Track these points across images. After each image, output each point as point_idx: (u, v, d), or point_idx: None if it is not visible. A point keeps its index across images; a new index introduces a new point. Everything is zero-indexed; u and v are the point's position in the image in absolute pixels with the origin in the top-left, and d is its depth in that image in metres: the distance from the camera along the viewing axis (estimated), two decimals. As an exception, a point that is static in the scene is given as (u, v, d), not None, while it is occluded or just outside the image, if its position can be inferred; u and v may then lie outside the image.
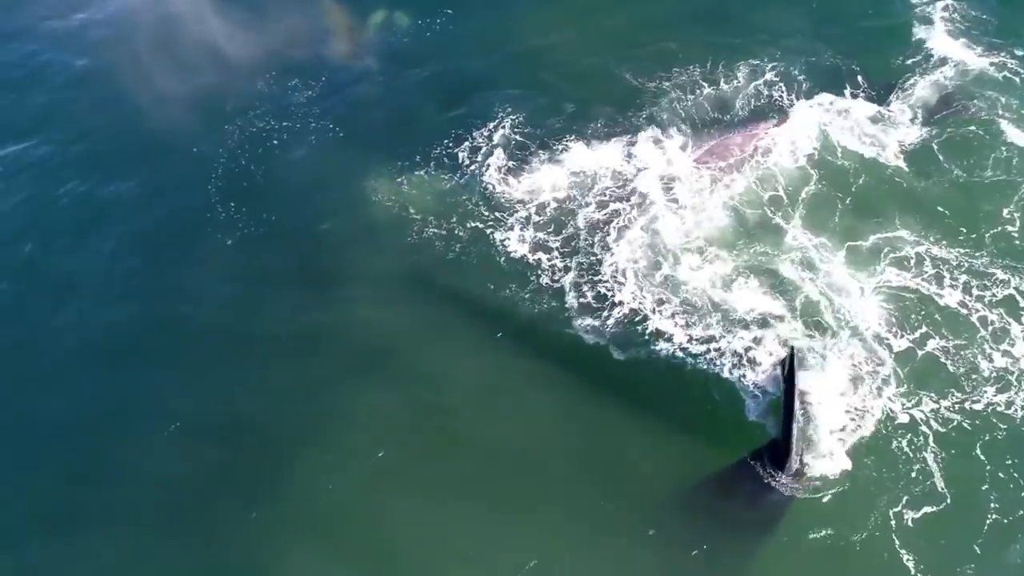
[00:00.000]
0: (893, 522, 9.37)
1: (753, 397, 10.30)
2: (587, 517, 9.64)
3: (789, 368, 10.11)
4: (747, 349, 10.64)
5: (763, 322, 10.79)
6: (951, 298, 10.92)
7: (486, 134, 13.22)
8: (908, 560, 9.12)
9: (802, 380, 10.18)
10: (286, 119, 13.95)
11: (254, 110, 14.05)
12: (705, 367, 10.46)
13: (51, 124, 14.45)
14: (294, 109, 14.10)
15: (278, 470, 10.14)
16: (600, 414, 10.31)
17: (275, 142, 13.62)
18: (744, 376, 10.41)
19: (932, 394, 10.16)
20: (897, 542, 9.24)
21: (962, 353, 10.45)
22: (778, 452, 9.88)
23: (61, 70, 15.42)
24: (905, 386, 10.25)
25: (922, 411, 10.05)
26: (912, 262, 11.30)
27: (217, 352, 11.25)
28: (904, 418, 10.01)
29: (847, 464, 9.72)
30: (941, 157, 12.28)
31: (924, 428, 9.95)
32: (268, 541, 9.63)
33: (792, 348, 10.31)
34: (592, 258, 11.57)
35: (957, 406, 10.08)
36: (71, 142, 14.04)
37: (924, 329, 10.64)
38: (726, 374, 10.41)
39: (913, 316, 10.76)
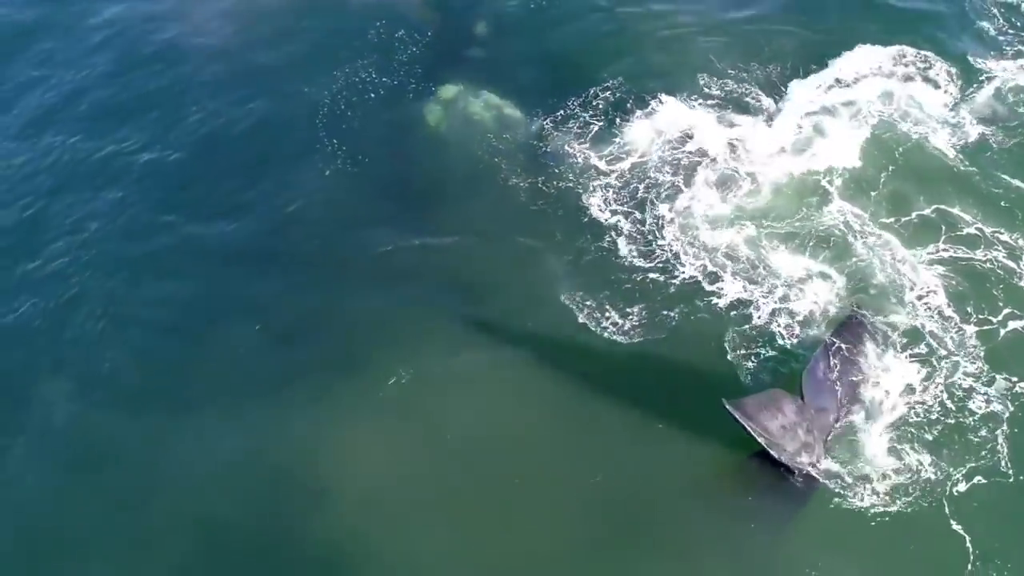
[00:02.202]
0: (949, 497, 9.53)
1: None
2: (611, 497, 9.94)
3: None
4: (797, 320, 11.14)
5: (825, 303, 11.26)
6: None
7: (580, 100, 14.02)
8: (963, 533, 9.28)
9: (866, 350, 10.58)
10: (387, 74, 14.79)
11: (361, 60, 14.88)
12: (753, 338, 10.92)
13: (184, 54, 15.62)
14: (396, 65, 15.00)
15: (350, 370, 10.94)
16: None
17: (373, 95, 14.50)
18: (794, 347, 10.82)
19: (1006, 374, 10.38)
20: (953, 519, 9.37)
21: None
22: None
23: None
24: (976, 364, 10.51)
25: (994, 390, 10.28)
26: (978, 241, 11.74)
27: (307, 266, 12.26)
28: (972, 395, 10.27)
29: (902, 441, 9.96)
30: (1002, 156, 12.65)
31: (994, 406, 10.15)
32: (335, 426, 10.46)
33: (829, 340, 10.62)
34: (659, 220, 12.22)
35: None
36: (200, 69, 15.24)
37: (1004, 308, 10.98)
38: (772, 349, 10.85)
39: (984, 293, 11.12)
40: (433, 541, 9.65)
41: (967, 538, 9.26)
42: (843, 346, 10.64)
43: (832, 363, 10.54)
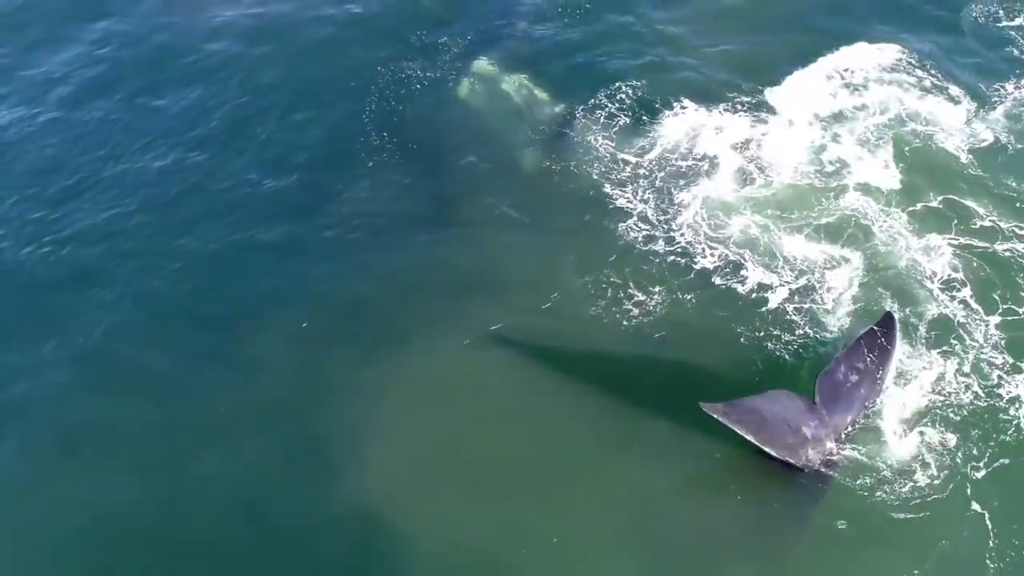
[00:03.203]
0: (970, 480, 9.73)
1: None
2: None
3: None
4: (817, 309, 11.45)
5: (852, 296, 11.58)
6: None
7: (607, 92, 14.65)
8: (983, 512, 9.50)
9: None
10: (431, 70, 15.54)
11: (405, 59, 15.66)
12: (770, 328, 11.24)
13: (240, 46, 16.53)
14: (439, 63, 15.71)
15: (390, 352, 11.48)
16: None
17: (418, 87, 15.22)
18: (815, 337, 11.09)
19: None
20: (974, 501, 9.57)
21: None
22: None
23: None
24: (1000, 352, 10.79)
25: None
26: (996, 233, 12.16)
27: (351, 241, 12.91)
28: (996, 381, 10.55)
29: (925, 428, 10.16)
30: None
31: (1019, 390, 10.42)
32: (371, 405, 10.97)
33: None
34: (679, 209, 12.76)
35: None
36: (252, 56, 16.15)
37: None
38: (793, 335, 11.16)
39: (1008, 282, 11.46)
40: (452, 515, 9.99)
41: (986, 514, 9.49)
42: (868, 352, 10.58)
43: (854, 368, 10.49)
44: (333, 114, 14.84)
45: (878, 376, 10.49)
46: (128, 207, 13.71)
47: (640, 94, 14.57)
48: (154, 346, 11.80)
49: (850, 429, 10.23)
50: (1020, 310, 11.27)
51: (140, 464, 10.68)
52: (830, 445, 10.09)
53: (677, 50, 15.50)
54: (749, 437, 9.81)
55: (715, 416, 9.80)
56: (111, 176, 14.21)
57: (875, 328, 10.74)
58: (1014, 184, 12.80)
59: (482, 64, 15.14)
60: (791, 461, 9.92)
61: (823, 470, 9.95)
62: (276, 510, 10.17)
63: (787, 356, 11.01)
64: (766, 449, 9.86)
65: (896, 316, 10.80)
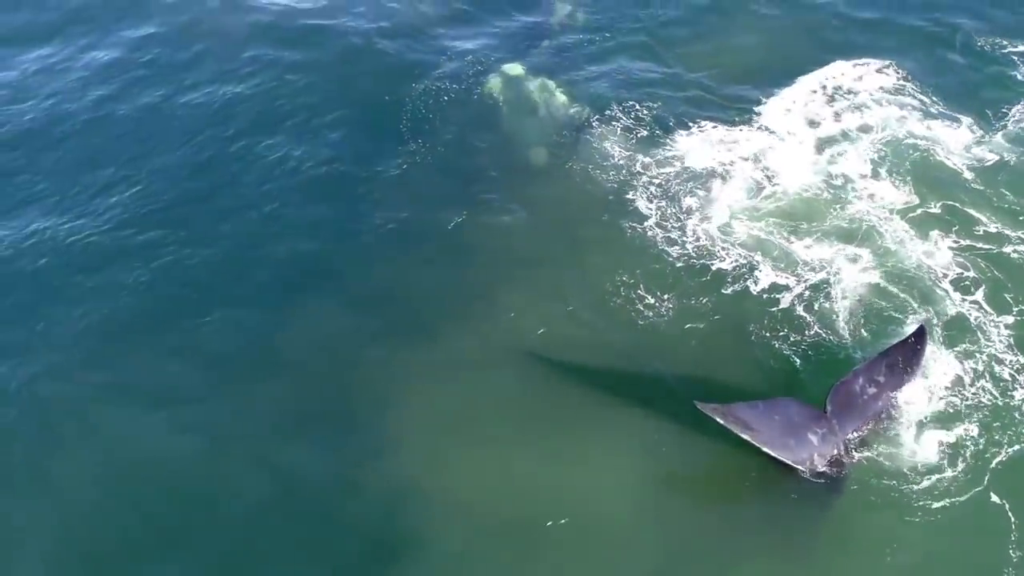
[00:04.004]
0: (989, 474, 10.07)
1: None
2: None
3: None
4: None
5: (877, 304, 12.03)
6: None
7: (627, 105, 15.37)
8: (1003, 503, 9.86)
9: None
10: (463, 72, 16.29)
11: (433, 86, 16.26)
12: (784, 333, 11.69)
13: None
14: (471, 66, 16.53)
15: (416, 333, 12.09)
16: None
17: (446, 99, 15.90)
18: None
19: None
20: (993, 494, 9.89)
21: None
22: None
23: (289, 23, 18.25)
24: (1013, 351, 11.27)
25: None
26: (1005, 239, 12.77)
27: (382, 235, 13.54)
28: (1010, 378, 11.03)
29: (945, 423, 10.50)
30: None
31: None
32: (401, 382, 11.53)
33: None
34: (693, 215, 13.38)
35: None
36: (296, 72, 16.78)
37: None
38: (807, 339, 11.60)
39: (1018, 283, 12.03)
40: (475, 490, 10.41)
41: (1007, 504, 9.83)
42: (890, 366, 10.65)
43: (872, 380, 10.54)
44: (365, 115, 15.57)
45: (895, 391, 10.56)
46: (168, 198, 14.34)
47: (655, 107, 15.25)
48: (196, 327, 12.31)
49: (854, 436, 10.37)
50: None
51: (182, 428, 11.18)
52: (835, 451, 10.17)
53: (691, 67, 16.26)
54: (746, 436, 9.88)
55: (713, 416, 9.91)
56: (151, 170, 14.89)
57: (903, 342, 10.84)
58: (1015, 198, 13.35)
59: (512, 66, 16.11)
60: (791, 464, 10.04)
61: (827, 470, 10.13)
62: (308, 481, 10.59)
63: (796, 356, 11.36)
64: (765, 449, 9.95)
65: (926, 330, 10.96)
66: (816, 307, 11.96)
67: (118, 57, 17.21)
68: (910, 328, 11.37)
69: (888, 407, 10.54)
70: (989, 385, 10.87)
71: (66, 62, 17.18)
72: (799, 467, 10.05)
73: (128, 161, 15.04)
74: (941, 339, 11.43)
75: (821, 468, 10.10)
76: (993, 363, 11.10)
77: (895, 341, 10.98)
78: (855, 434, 10.36)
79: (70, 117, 15.90)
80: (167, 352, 12.07)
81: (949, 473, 10.04)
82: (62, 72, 16.94)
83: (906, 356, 10.70)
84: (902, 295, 12.01)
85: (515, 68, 16.00)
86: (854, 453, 10.24)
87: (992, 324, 11.59)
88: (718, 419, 9.90)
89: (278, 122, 15.49)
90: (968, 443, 10.32)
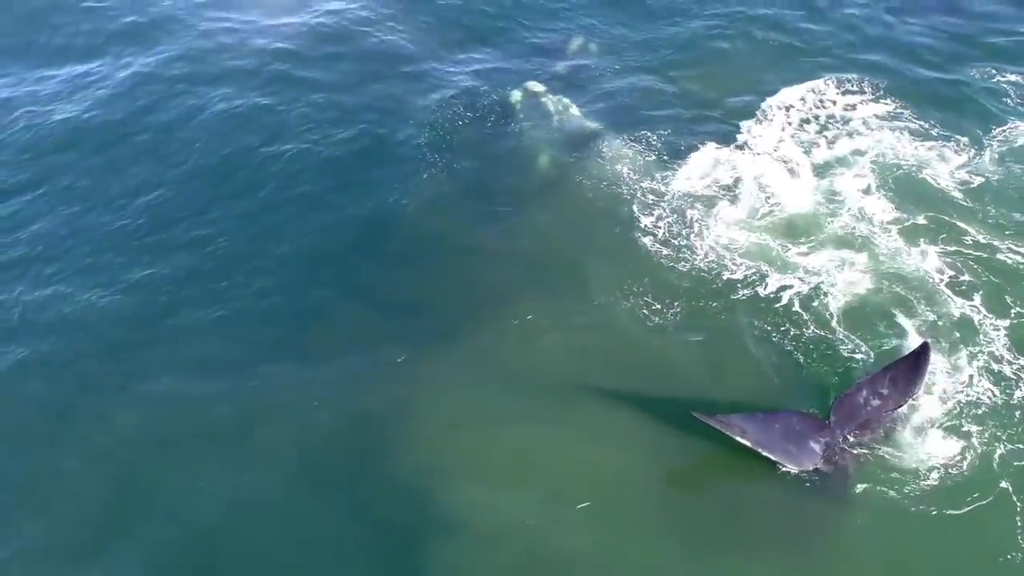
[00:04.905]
0: (995, 463, 10.56)
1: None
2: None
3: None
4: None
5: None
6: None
7: (641, 128, 16.33)
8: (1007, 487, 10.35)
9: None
10: (475, 111, 17.12)
11: (455, 101, 17.27)
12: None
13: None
14: (486, 93, 17.49)
15: (438, 333, 12.80)
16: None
17: (460, 123, 16.78)
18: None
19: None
20: (1002, 480, 10.37)
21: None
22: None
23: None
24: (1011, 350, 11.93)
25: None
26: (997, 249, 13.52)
27: (406, 245, 14.35)
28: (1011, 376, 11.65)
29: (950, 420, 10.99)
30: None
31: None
32: (422, 376, 12.22)
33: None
34: (700, 230, 14.18)
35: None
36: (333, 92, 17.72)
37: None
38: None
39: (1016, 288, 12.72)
40: (495, 485, 10.92)
41: (1008, 488, 10.35)
42: (893, 381, 11.04)
43: (876, 393, 10.94)
44: (389, 124, 16.54)
45: (898, 404, 10.95)
46: (197, 206, 15.15)
47: (660, 128, 16.15)
48: (233, 335, 13.05)
49: (855, 442, 10.82)
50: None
51: (217, 435, 11.74)
52: (838, 457, 10.59)
53: (694, 92, 17.23)
54: (746, 442, 10.33)
55: (710, 423, 10.35)
56: (177, 178, 15.82)
57: (906, 358, 11.25)
58: (1005, 213, 14.22)
59: (533, 83, 17.31)
60: (790, 466, 10.47)
61: (823, 468, 10.57)
62: (339, 476, 11.17)
63: (799, 355, 12.02)
64: (764, 453, 10.41)
65: (930, 346, 11.40)
66: (816, 309, 12.61)
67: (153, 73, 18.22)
68: (912, 340, 11.95)
69: (890, 419, 10.97)
70: (989, 385, 11.43)
71: (108, 74, 18.25)
72: (800, 468, 10.52)
73: (162, 167, 15.95)
74: (938, 340, 12.05)
75: (824, 470, 10.54)
76: (992, 362, 11.72)
77: (899, 357, 11.47)
78: (856, 440, 10.83)
79: (121, 123, 16.93)
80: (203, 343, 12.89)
81: (953, 472, 10.47)
82: (101, 84, 18.00)
83: (909, 371, 11.12)
84: (900, 298, 12.73)
85: (536, 85, 17.16)
86: (858, 455, 10.68)
87: (991, 326, 12.24)
88: (716, 427, 10.43)
89: (302, 133, 16.44)
90: (971, 443, 10.81)
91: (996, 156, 15.34)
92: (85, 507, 11.00)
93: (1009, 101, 16.71)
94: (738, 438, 10.38)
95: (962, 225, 13.92)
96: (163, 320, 13.31)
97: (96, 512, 10.94)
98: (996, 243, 13.61)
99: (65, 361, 12.74)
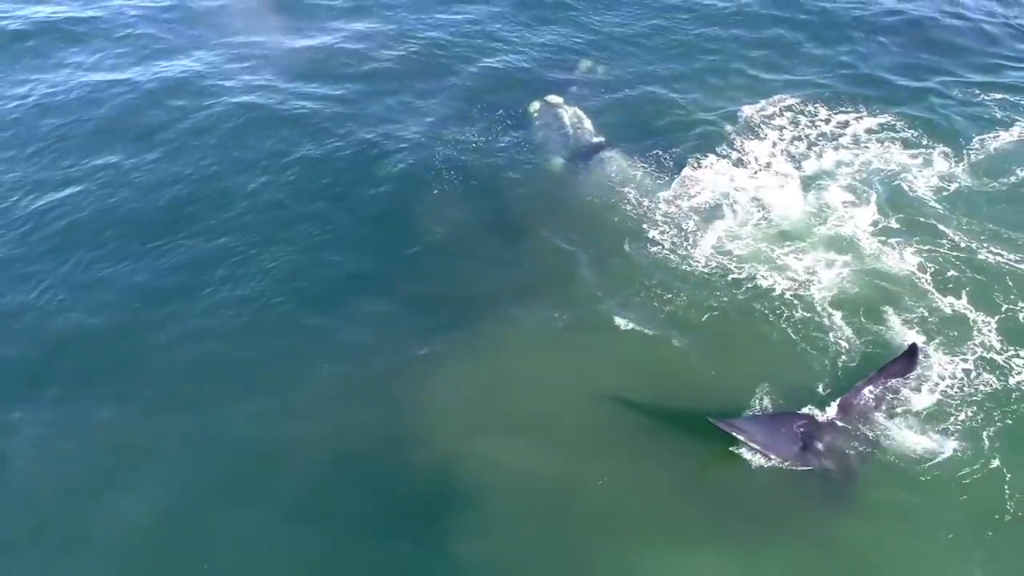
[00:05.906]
0: (987, 445, 11.17)
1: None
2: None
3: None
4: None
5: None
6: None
7: (649, 143, 17.51)
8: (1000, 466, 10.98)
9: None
10: (487, 135, 18.04)
11: (467, 128, 18.23)
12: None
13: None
14: (491, 135, 18.20)
15: (454, 332, 13.38)
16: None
17: (474, 145, 17.73)
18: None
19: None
20: (994, 459, 10.97)
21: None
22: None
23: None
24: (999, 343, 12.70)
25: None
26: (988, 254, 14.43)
27: (421, 252, 14.94)
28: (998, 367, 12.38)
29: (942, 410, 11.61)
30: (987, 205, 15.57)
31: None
32: (442, 372, 12.72)
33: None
34: (700, 240, 14.98)
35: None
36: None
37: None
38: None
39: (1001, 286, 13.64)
40: (516, 468, 11.36)
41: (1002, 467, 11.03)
42: (887, 379, 11.79)
43: (872, 393, 11.64)
44: (407, 137, 17.53)
45: (893, 401, 11.71)
46: (225, 221, 15.75)
47: (663, 143, 17.34)
48: (265, 329, 13.57)
49: (857, 435, 11.35)
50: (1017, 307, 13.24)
51: (255, 414, 12.26)
52: (837, 459, 11.09)
53: (695, 110, 18.53)
54: (755, 445, 10.87)
55: (722, 427, 10.80)
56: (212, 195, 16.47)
57: (897, 358, 12.03)
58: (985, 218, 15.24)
59: (552, 96, 18.63)
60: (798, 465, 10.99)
61: (830, 466, 11.04)
62: (368, 462, 11.57)
63: (799, 355, 12.63)
64: (773, 456, 10.91)
65: (919, 347, 12.22)
66: (816, 309, 13.40)
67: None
68: (904, 342, 12.58)
69: (888, 414, 11.61)
70: (983, 372, 12.17)
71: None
72: (808, 467, 11.08)
73: (207, 177, 16.82)
74: (927, 333, 12.89)
75: (831, 468, 11.05)
76: (984, 353, 12.49)
77: (890, 359, 12.18)
78: (859, 438, 11.37)
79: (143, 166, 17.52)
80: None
81: (954, 460, 11.06)
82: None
83: (900, 371, 11.97)
84: (892, 296, 13.62)
85: (554, 98, 18.51)
86: (862, 453, 11.21)
87: (982, 322, 12.99)
88: (729, 431, 10.91)
89: (321, 138, 17.55)
90: (970, 423, 11.50)
91: (977, 163, 16.52)
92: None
93: (990, 112, 18.12)
94: (749, 442, 10.93)
95: (942, 228, 14.98)
96: (188, 320, 13.86)
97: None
98: (974, 245, 14.59)
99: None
